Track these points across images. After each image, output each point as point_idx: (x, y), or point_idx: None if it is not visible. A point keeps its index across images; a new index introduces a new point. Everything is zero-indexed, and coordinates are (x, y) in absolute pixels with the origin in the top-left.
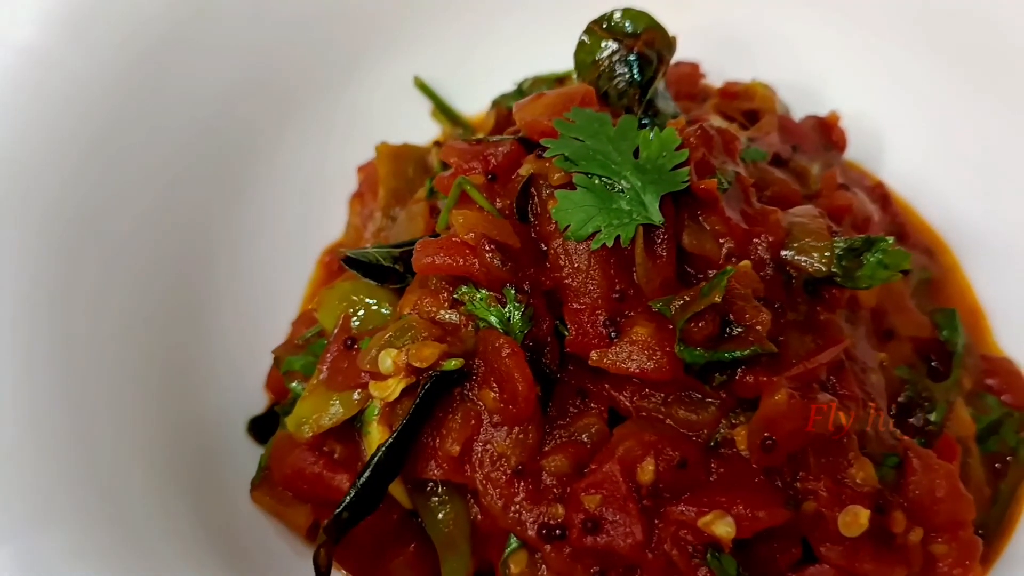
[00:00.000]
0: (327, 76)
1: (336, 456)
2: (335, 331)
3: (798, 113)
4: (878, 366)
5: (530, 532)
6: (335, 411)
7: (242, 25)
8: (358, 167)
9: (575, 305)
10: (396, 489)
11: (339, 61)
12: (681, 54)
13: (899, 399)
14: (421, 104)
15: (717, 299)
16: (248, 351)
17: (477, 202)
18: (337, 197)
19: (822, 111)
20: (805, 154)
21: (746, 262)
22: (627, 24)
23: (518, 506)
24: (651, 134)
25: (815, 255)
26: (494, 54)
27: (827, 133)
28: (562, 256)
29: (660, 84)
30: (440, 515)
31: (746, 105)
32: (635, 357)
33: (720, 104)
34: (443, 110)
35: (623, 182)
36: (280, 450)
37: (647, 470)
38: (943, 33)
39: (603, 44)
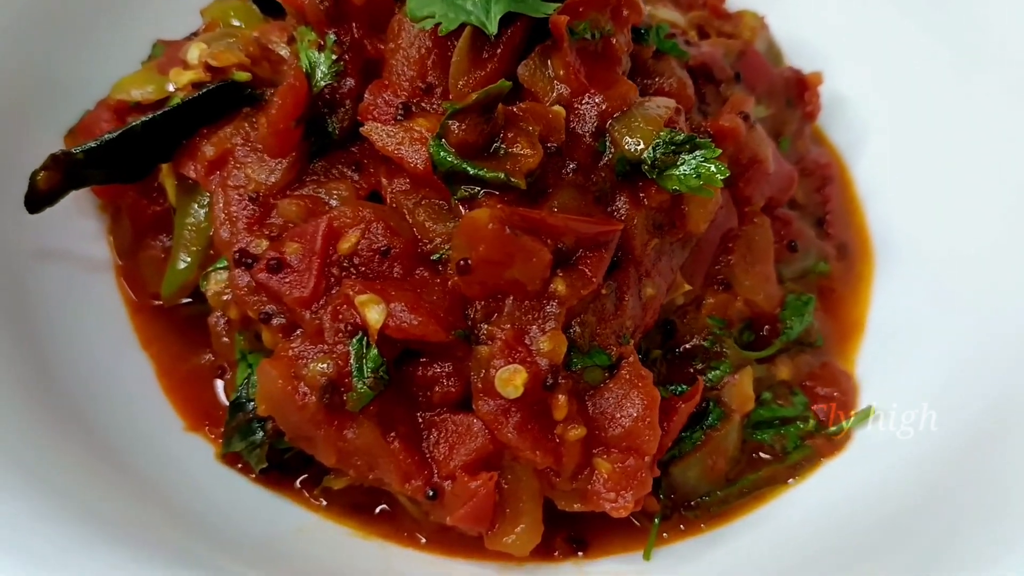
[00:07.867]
0: None
1: None
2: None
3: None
4: (662, 294)
5: (233, 252)
6: (147, 90)
7: None
8: None
9: (384, 80)
10: (168, 181)
11: None
12: None
13: (688, 344)
14: None
15: (475, 101)
16: None
17: None
18: None
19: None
20: (752, 92)
21: (560, 108)
22: None
23: (235, 227)
24: None
25: (636, 136)
26: None
27: (800, 91)
28: (395, 28)
29: None
30: (189, 219)
31: (728, 28)
32: (404, 143)
33: (702, 17)
34: None
35: None
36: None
37: (349, 240)
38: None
39: None
